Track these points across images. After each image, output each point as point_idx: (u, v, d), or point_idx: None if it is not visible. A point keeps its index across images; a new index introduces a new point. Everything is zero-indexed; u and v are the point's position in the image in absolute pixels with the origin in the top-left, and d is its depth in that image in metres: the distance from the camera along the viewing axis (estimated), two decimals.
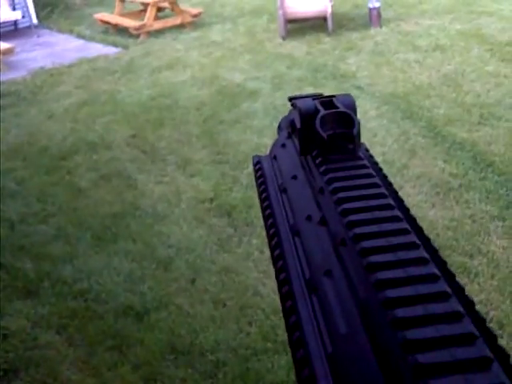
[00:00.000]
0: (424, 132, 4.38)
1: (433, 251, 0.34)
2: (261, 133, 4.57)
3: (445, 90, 5.10)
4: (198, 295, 3.06)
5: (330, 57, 6.26)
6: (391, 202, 0.36)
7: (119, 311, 2.92)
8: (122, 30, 8.09)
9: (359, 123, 0.42)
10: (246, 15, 8.44)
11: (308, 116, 0.42)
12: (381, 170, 0.44)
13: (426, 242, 0.34)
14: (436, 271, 0.31)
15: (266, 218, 0.46)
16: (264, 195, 0.48)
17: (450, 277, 0.32)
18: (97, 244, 3.43)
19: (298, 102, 0.43)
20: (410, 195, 3.63)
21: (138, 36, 7.80)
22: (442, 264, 0.33)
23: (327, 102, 0.43)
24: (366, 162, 0.41)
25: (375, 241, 0.33)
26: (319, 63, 6.09)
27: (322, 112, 0.41)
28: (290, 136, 0.48)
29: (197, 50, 7.04)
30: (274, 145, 0.51)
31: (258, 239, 3.41)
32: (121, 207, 3.75)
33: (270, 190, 0.48)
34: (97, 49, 7.56)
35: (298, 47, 6.69)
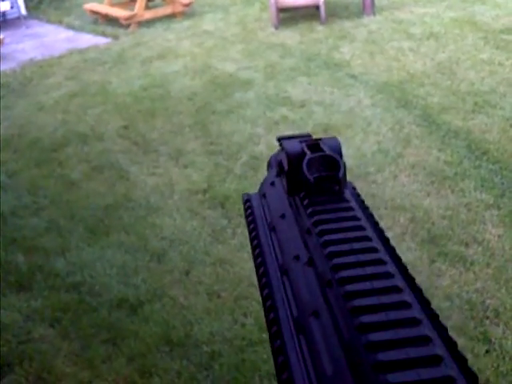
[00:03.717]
0: (419, 120, 4.36)
1: (417, 291, 0.35)
2: (254, 123, 4.53)
3: (439, 78, 5.08)
4: (192, 287, 3.03)
5: (323, 46, 6.22)
6: (375, 244, 0.37)
7: (113, 304, 2.89)
8: (111, 21, 8.01)
9: (345, 165, 0.43)
10: (237, 4, 8.38)
11: (295, 158, 0.43)
12: (367, 208, 0.44)
13: (410, 282, 0.36)
14: (418, 315, 0.32)
15: (255, 257, 0.46)
16: (253, 233, 0.48)
17: (433, 317, 0.33)
18: (89, 236, 3.40)
19: (286, 144, 0.45)
20: (405, 184, 3.62)
21: (128, 26, 7.73)
22: (425, 304, 0.34)
23: (314, 144, 0.44)
24: (351, 203, 0.42)
25: (359, 284, 0.34)
26: (312, 52, 6.05)
27: (309, 155, 0.42)
28: (278, 175, 0.49)
29: (188, 39, 6.98)
30: (264, 182, 0.52)
31: None
32: (113, 199, 3.71)
33: (260, 228, 0.48)
34: (87, 39, 7.49)
35: (290, 36, 6.64)
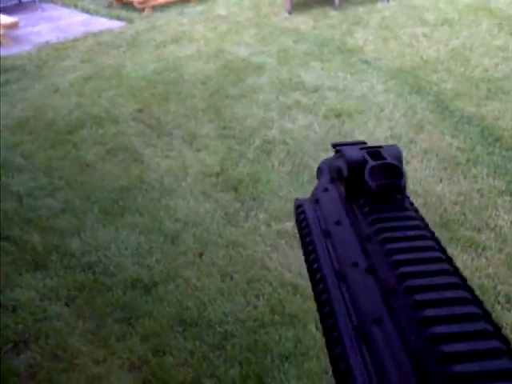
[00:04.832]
0: (432, 106, 4.35)
1: (480, 303, 0.34)
2: (267, 107, 4.55)
3: (453, 64, 5.06)
4: (205, 268, 3.07)
5: (336, 31, 6.20)
6: (440, 254, 0.37)
7: (127, 284, 2.94)
8: (126, 4, 8.02)
9: (405, 175, 0.43)
10: None
11: (356, 165, 0.43)
12: (422, 218, 0.44)
13: (472, 293, 0.35)
14: (489, 327, 0.32)
15: (310, 263, 0.46)
16: (308, 239, 0.48)
17: (496, 328, 0.33)
18: (104, 217, 3.44)
19: (346, 151, 0.44)
20: (418, 170, 3.62)
21: (142, 10, 7.73)
22: (488, 316, 0.34)
23: (374, 152, 0.44)
24: (413, 213, 0.42)
25: (428, 294, 0.33)
26: (326, 37, 6.03)
27: (372, 163, 0.42)
28: (332, 181, 0.49)
29: (202, 24, 6.98)
30: (316, 189, 0.51)
31: (265, 214, 3.41)
32: (127, 181, 3.75)
33: (314, 234, 0.48)
34: (101, 23, 7.50)
35: (304, 21, 6.62)
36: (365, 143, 0.46)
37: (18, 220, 3.43)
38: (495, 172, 3.55)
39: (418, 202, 3.37)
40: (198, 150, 4.05)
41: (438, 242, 0.40)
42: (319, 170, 0.53)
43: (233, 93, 4.89)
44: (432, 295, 0.33)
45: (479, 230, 3.15)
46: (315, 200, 0.50)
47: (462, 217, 3.23)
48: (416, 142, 3.90)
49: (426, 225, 0.42)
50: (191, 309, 2.81)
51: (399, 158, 0.43)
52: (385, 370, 0.33)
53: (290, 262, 3.09)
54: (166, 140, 4.21)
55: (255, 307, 2.84)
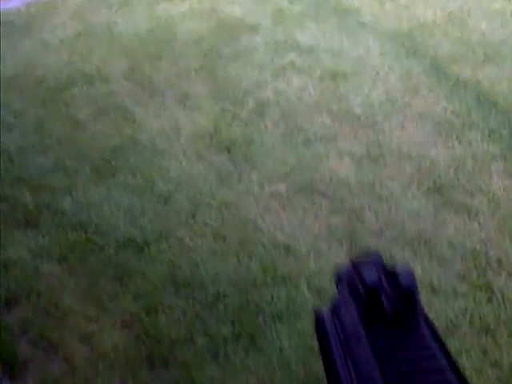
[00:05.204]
0: (427, 70, 4.31)
1: None
2: (261, 68, 4.48)
3: (450, 28, 4.99)
4: (198, 229, 3.06)
5: None
6: (449, 377, 0.39)
7: (120, 243, 2.93)
8: None
9: (420, 300, 0.45)
10: None
11: (373, 289, 0.45)
12: (439, 338, 0.45)
13: None
14: None
15: (329, 377, 0.48)
16: (327, 353, 0.49)
17: None
18: (96, 177, 3.41)
19: (363, 272, 0.46)
20: (412, 134, 3.60)
21: None
22: None
23: (391, 276, 0.45)
24: (428, 340, 0.44)
25: None
26: None
27: (388, 290, 0.44)
28: (350, 293, 0.50)
29: None
30: (336, 300, 0.53)
31: (259, 175, 3.39)
32: (119, 141, 3.71)
33: (333, 347, 0.49)
34: None
35: None
36: (380, 256, 0.49)
37: (8, 178, 3.39)
38: (490, 137, 3.54)
39: (411, 166, 3.36)
40: (191, 111, 4.00)
41: (452, 365, 0.41)
42: (337, 278, 0.54)
43: (226, 53, 4.81)
44: None
45: (472, 195, 3.15)
46: (335, 312, 0.52)
47: (456, 181, 3.23)
48: (411, 105, 3.87)
49: (443, 345, 0.43)
50: (184, 268, 2.81)
51: (413, 282, 0.45)
52: None
53: (283, 224, 3.09)
54: (159, 100, 4.15)
55: (248, 268, 2.85)
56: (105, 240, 2.94)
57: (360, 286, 0.46)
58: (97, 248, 2.89)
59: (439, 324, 2.53)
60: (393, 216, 3.08)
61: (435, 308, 2.55)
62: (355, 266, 0.48)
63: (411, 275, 0.46)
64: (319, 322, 0.53)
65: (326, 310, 0.53)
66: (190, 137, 3.73)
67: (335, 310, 0.52)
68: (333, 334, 0.50)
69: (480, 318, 2.53)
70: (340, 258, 2.88)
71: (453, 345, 2.39)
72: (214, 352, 2.41)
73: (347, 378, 0.46)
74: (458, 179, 3.24)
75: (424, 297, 2.64)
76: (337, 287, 0.54)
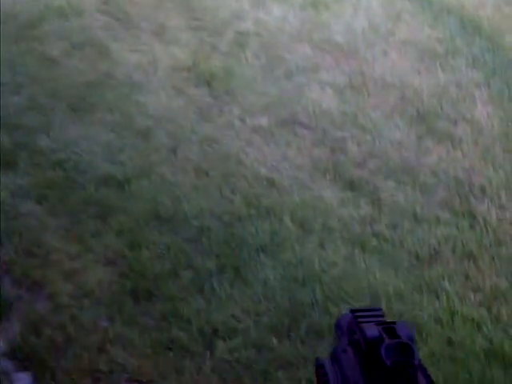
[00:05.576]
0: None
1: None
2: None
3: None
4: (179, 164, 3.02)
5: None
6: None
7: (100, 181, 2.88)
8: None
9: (418, 352, 0.48)
10: None
11: (373, 343, 0.48)
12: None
13: None
14: None
15: None
16: None
17: None
18: (72, 114, 3.32)
19: (365, 327, 0.50)
20: (395, 62, 3.54)
21: None
22: None
23: (389, 329, 0.49)
24: None
25: None
26: None
27: (387, 341, 0.48)
28: (350, 343, 0.53)
29: None
30: (336, 348, 0.56)
31: (240, 109, 3.33)
32: (95, 77, 3.59)
33: None
34: None
35: None
36: (381, 310, 0.53)
37: None
38: (473, 64, 3.49)
39: (395, 95, 3.32)
40: (168, 43, 3.88)
41: None
42: (337, 326, 0.58)
43: None
44: None
45: (456, 123, 3.13)
46: (336, 360, 0.55)
47: (439, 109, 3.20)
48: (394, 33, 3.79)
49: None
50: (166, 204, 2.78)
51: (412, 335, 0.49)
52: None
53: (266, 157, 3.06)
54: (135, 33, 4.01)
55: (231, 202, 2.83)
56: (84, 178, 2.89)
57: (360, 338, 0.50)
58: (76, 186, 2.84)
59: (422, 252, 2.54)
60: (376, 146, 3.05)
61: (418, 236, 2.56)
62: (355, 316, 0.52)
63: (409, 328, 0.50)
64: (321, 372, 0.56)
65: (327, 360, 0.57)
66: (169, 70, 3.63)
67: (337, 359, 0.55)
68: (333, 380, 0.53)
69: (463, 244, 2.54)
70: (323, 189, 2.87)
71: (436, 271, 2.41)
72: (199, 285, 2.41)
73: None
74: (441, 107, 3.21)
75: (407, 225, 2.65)
76: (336, 334, 0.57)
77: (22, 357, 2.08)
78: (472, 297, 2.38)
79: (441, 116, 3.15)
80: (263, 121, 3.25)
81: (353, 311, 0.52)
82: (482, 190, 2.80)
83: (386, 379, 0.46)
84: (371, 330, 0.49)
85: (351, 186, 2.88)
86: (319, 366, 0.55)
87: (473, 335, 2.24)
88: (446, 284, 2.34)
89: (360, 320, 0.51)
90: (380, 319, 0.50)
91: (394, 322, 0.50)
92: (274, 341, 2.19)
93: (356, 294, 2.33)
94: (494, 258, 2.52)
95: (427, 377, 0.48)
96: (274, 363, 2.11)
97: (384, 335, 0.48)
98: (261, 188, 2.87)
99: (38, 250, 2.53)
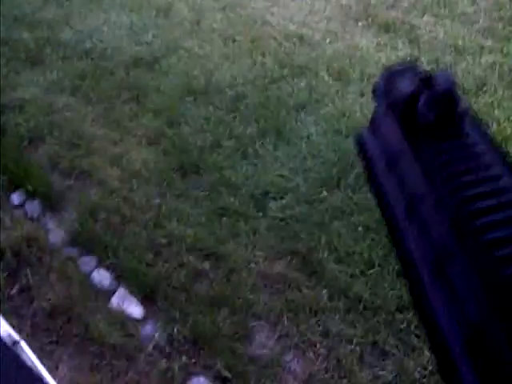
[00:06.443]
0: None
1: None
2: None
3: None
4: (205, 35, 2.92)
5: None
6: (506, 184, 0.37)
7: (128, 64, 2.83)
8: None
9: (462, 100, 0.41)
10: None
11: (411, 98, 0.41)
12: (489, 137, 0.42)
13: None
14: None
15: (378, 197, 0.46)
16: (373, 173, 0.48)
17: None
18: (90, 3, 3.22)
19: (399, 81, 0.43)
20: None
21: None
22: None
23: (428, 79, 0.41)
24: (474, 139, 0.41)
25: (499, 231, 0.34)
26: None
27: (426, 93, 0.40)
28: (389, 107, 0.46)
29: None
30: (374, 117, 0.49)
31: None
32: None
33: (378, 168, 0.47)
34: None
35: None
36: (416, 64, 0.45)
37: (2, 20, 3.23)
38: None
39: None
40: None
41: (504, 160, 0.39)
42: (375, 92, 0.50)
43: None
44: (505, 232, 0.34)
45: None
46: (375, 130, 0.49)
47: None
48: None
49: (491, 142, 0.41)
50: (198, 77, 2.72)
51: (453, 84, 0.41)
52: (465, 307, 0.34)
53: (293, 14, 2.92)
54: None
55: (263, 65, 2.75)
56: (113, 63, 2.84)
57: (398, 96, 0.43)
58: (106, 73, 2.80)
59: (468, 85, 2.43)
60: None
61: (462, 68, 2.44)
62: (390, 75, 0.45)
63: (449, 76, 0.42)
64: (360, 143, 0.51)
65: (366, 130, 0.51)
66: None
67: (376, 128, 0.49)
68: (376, 155, 0.48)
69: (510, 69, 2.41)
70: (357, 37, 2.74)
71: (484, 101, 2.31)
72: (243, 152, 2.39)
73: (396, 196, 0.44)
74: None
75: (449, 59, 2.52)
76: (375, 101, 0.50)
77: (83, 242, 2.13)
78: None
79: None
80: None
81: (387, 70, 0.46)
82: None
83: (430, 135, 0.41)
84: (407, 86, 0.42)
85: (386, 28, 2.73)
86: (358, 138, 0.50)
87: None
88: (496, 112, 2.24)
89: (395, 76, 0.44)
90: (417, 72, 0.44)
91: (432, 73, 0.42)
92: (325, 193, 2.18)
93: None
94: None
95: (477, 125, 0.43)
96: (328, 214, 2.11)
97: (422, 88, 0.41)
98: (292, 46, 2.77)
99: (80, 140, 2.54)
